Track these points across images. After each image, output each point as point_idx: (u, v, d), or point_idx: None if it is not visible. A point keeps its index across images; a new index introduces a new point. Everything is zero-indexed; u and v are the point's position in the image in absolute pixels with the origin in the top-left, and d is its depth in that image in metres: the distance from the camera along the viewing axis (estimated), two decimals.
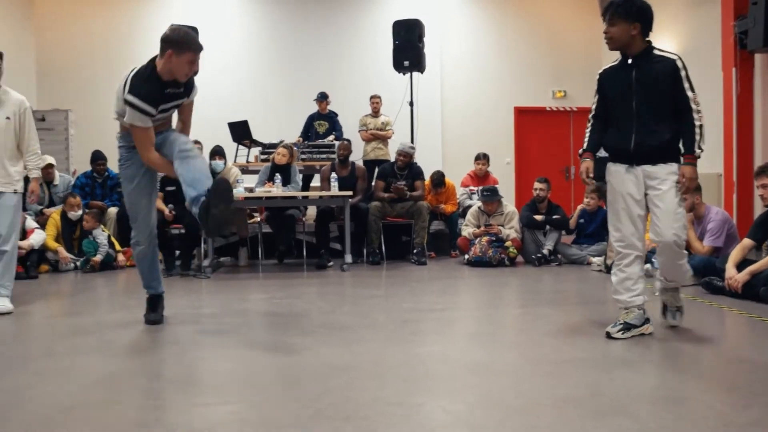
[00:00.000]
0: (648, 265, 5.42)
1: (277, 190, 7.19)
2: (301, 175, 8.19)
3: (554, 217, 7.62)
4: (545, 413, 2.54)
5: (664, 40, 9.23)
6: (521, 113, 11.77)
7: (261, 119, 10.08)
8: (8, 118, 4.81)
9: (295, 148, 8.43)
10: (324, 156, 8.98)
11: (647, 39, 3.72)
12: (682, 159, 3.67)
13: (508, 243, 7.40)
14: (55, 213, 7.54)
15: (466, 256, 7.50)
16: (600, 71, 3.95)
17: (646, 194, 3.75)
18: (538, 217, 7.64)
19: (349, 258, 7.18)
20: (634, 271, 3.81)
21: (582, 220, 7.69)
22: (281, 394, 2.86)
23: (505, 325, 4.44)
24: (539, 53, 11.80)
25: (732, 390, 2.85)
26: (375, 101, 9.57)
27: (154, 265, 4.31)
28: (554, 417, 2.50)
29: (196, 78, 4.16)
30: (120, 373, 3.24)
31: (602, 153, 8.11)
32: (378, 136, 9.45)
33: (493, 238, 7.40)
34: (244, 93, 10.86)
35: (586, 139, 4.04)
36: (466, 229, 7.71)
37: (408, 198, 7.79)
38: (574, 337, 3.85)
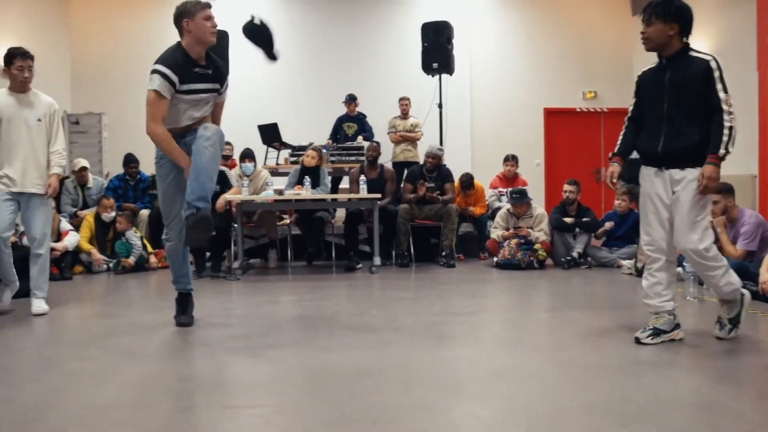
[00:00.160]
0: (679, 269, 5.36)
1: (306, 192, 7.23)
2: (330, 178, 8.23)
3: (584, 219, 7.56)
4: (573, 419, 2.53)
5: (698, 39, 9.11)
6: (551, 114, 11.70)
7: (290, 121, 10.14)
8: (39, 119, 4.89)
9: (324, 151, 8.48)
10: (353, 158, 9.03)
11: (685, 41, 3.66)
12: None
13: (537, 245, 7.36)
14: (89, 215, 7.68)
15: (495, 259, 7.48)
16: (640, 73, 3.90)
17: None
18: (568, 220, 7.59)
19: (377, 260, 7.20)
20: (665, 276, 3.76)
21: (612, 223, 7.61)
22: (309, 397, 2.89)
23: (533, 329, 4.42)
24: (569, 54, 11.71)
25: (764, 398, 2.82)
26: (404, 103, 9.58)
27: (185, 261, 4.37)
28: (582, 423, 2.49)
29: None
30: (151, 374, 3.29)
31: (631, 156, 8.02)
32: (407, 138, 9.46)
33: (522, 241, 7.37)
34: (274, 95, 10.94)
35: (619, 142, 4.01)
36: (495, 232, 7.68)
37: (437, 200, 7.79)
38: (602, 341, 3.83)
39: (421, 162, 8.43)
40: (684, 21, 3.62)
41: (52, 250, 6.73)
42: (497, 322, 4.72)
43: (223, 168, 7.09)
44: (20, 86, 4.85)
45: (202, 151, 3.82)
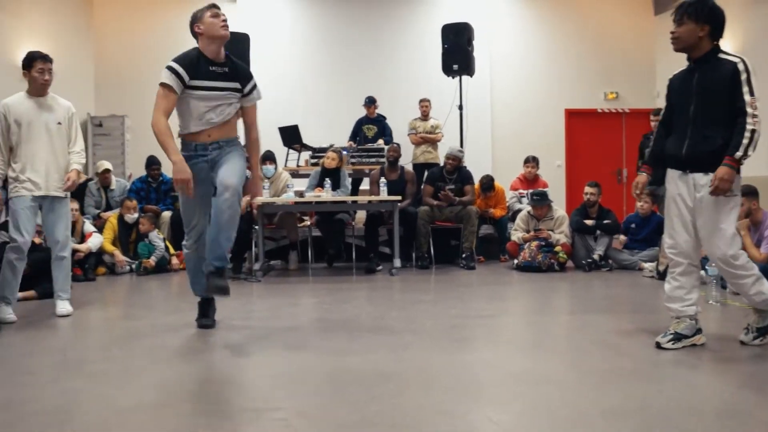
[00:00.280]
0: (702, 272, 5.31)
1: (326, 195, 7.27)
2: (350, 179, 8.26)
3: (605, 221, 7.52)
4: (591, 424, 2.53)
5: (724, 39, 9.02)
6: (572, 115, 11.65)
7: (311, 123, 10.18)
8: (59, 123, 4.92)
9: (345, 153, 8.51)
10: (374, 160, 9.06)
11: (715, 43, 3.61)
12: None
13: (557, 248, 7.33)
14: (112, 217, 7.76)
15: (515, 261, 7.46)
16: (671, 76, 3.87)
17: None
18: (589, 222, 7.55)
19: (398, 262, 7.21)
20: (688, 280, 3.72)
21: (633, 225, 7.57)
22: (329, 400, 2.91)
23: (553, 333, 4.40)
24: (590, 54, 11.65)
25: None
26: (424, 105, 9.58)
27: (199, 270, 4.31)
28: (600, 428, 2.49)
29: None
30: (173, 376, 3.33)
31: None
32: (427, 140, 9.46)
33: (543, 243, 7.35)
34: (295, 97, 10.99)
35: (649, 150, 3.97)
36: (516, 234, 7.66)
37: (457, 203, 7.79)
38: (623, 345, 3.81)
39: (442, 164, 8.44)
40: (716, 23, 3.57)
41: (76, 251, 6.85)
42: (517, 325, 4.72)
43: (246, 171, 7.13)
44: (40, 89, 4.86)
45: (222, 212, 3.83)
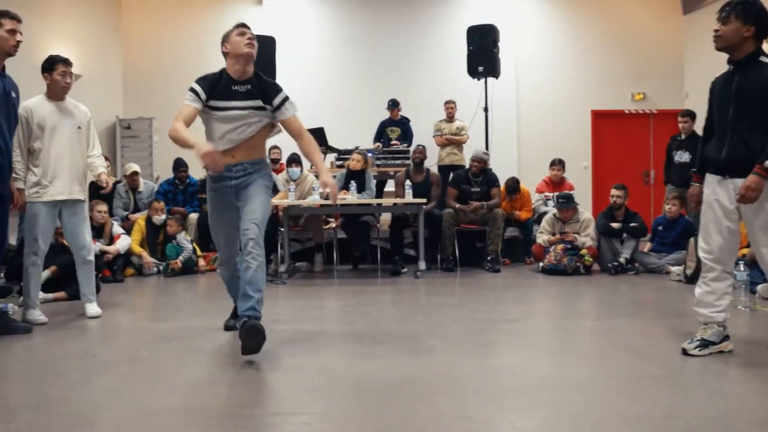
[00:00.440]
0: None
1: (352, 197, 7.30)
2: (374, 181, 8.29)
3: (631, 224, 7.46)
4: None
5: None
6: (598, 116, 11.56)
7: (337, 126, 10.21)
8: (79, 127, 4.96)
9: (370, 155, 8.53)
10: (399, 162, 9.08)
11: (758, 45, 3.54)
12: None
13: (583, 251, 7.29)
14: (140, 219, 7.86)
15: (541, 264, 7.43)
16: (713, 79, 3.81)
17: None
18: (615, 225, 7.50)
19: (422, 265, 7.22)
20: (719, 286, 3.67)
21: (661, 228, 7.50)
22: (353, 405, 2.93)
23: (578, 338, 4.37)
24: (617, 54, 11.55)
25: None
26: (449, 106, 9.58)
27: (233, 285, 4.24)
28: None
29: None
30: (199, 379, 3.37)
31: (681, 159, 7.87)
32: (453, 141, 9.45)
33: (569, 246, 7.31)
34: (321, 100, 11.03)
35: (698, 157, 3.93)
36: (541, 237, 7.63)
37: (484, 209, 7.77)
38: (649, 352, 3.78)
39: (467, 166, 8.43)
40: (763, 24, 3.50)
41: (105, 253, 6.96)
42: (542, 330, 4.70)
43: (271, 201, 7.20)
44: (61, 92, 4.87)
45: (247, 268, 3.73)
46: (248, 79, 3.95)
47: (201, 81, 3.93)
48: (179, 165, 8.66)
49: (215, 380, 3.35)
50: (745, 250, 5.72)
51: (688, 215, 7.63)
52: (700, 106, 8.55)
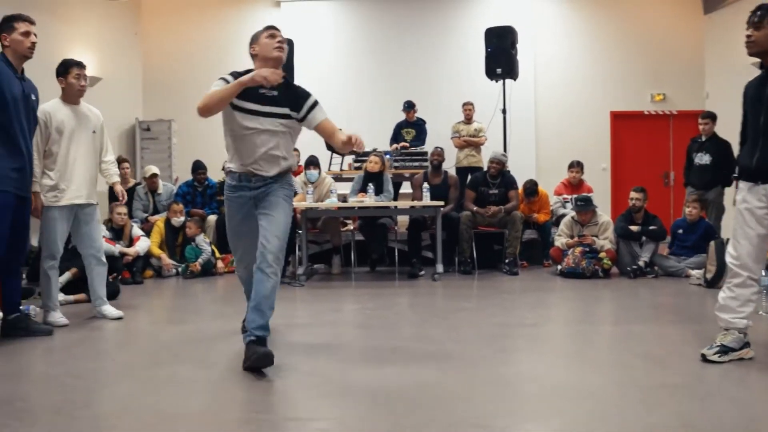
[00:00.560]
0: None
1: (369, 200, 7.31)
2: (392, 183, 8.29)
3: (651, 227, 7.40)
4: None
5: None
6: (617, 118, 11.48)
7: (354, 127, 10.08)
8: (94, 132, 5.00)
9: (387, 157, 8.54)
10: (416, 164, 9.08)
11: None
12: None
13: (602, 254, 7.24)
14: (159, 221, 7.92)
15: (559, 267, 7.40)
16: (746, 83, 3.78)
17: None
18: (634, 228, 7.44)
19: (440, 267, 7.22)
20: (743, 292, 3.63)
21: (681, 231, 7.44)
22: (369, 411, 2.93)
23: (596, 344, 4.35)
24: (636, 55, 11.44)
25: None
26: (467, 108, 9.56)
27: (251, 284, 4.12)
28: None
29: None
30: (217, 383, 3.40)
31: (701, 161, 7.77)
32: (471, 143, 9.43)
33: (587, 249, 7.27)
34: (338, 102, 10.99)
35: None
36: (559, 240, 7.60)
37: (502, 213, 7.76)
38: (667, 358, 3.76)
39: (485, 167, 8.41)
40: None
41: (125, 255, 7.02)
42: (559, 336, 4.68)
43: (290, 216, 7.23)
44: (77, 95, 4.90)
45: (264, 281, 3.62)
46: (277, 85, 3.75)
47: (233, 75, 3.72)
48: (198, 167, 8.72)
49: (232, 384, 3.37)
50: None
51: (709, 218, 7.57)
52: (721, 107, 8.54)
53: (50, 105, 4.84)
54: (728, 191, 7.84)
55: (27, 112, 4.38)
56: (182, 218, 7.84)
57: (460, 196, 8.20)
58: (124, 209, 7.23)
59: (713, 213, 7.69)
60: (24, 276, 6.33)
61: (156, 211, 8.49)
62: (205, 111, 3.61)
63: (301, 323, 5.00)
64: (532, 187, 8.36)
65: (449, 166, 8.91)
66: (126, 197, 5.46)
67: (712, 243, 6.50)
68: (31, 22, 4.37)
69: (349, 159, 9.43)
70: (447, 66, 11.26)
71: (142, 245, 7.32)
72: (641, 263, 7.22)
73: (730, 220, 7.36)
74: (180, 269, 7.62)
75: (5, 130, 4.21)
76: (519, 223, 7.71)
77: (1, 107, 4.17)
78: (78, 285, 5.83)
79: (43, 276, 4.87)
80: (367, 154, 8.56)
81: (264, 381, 3.41)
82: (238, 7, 11.67)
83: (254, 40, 3.84)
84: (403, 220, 8.34)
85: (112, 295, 5.66)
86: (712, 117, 7.83)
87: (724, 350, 3.59)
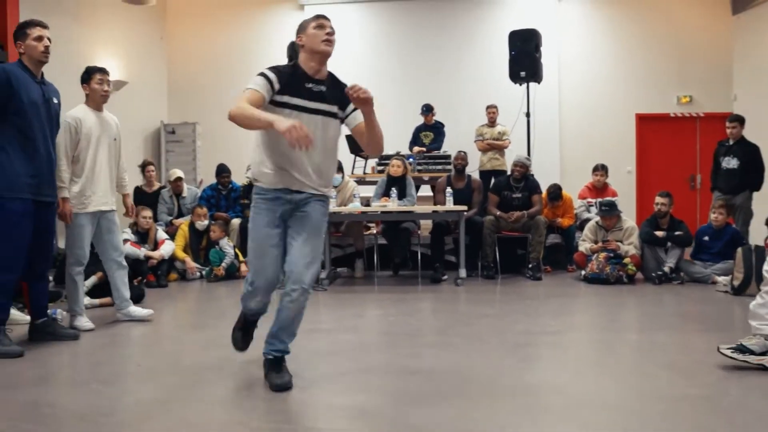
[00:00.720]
0: None
1: (392, 204, 7.31)
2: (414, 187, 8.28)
3: (676, 233, 7.32)
4: None
5: None
6: (643, 120, 11.36)
7: None
8: (115, 139, 5.08)
9: (410, 160, 8.54)
10: (439, 167, 9.07)
11: None
12: None
13: (626, 260, 7.18)
14: (183, 224, 7.99)
15: (583, 272, 7.35)
16: None
17: None
18: (659, 233, 7.36)
19: (463, 272, 7.19)
20: None
21: (706, 237, 7.34)
22: (391, 420, 2.93)
23: (620, 353, 4.30)
24: (662, 56, 11.29)
25: None
26: (491, 111, 9.52)
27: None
28: None
29: None
30: (240, 391, 3.42)
31: (729, 165, 7.67)
32: (494, 146, 9.40)
33: (611, 255, 7.21)
34: None
35: None
36: (584, 245, 7.55)
37: (525, 217, 7.73)
38: (691, 369, 3.71)
39: (509, 171, 8.38)
40: None
41: (150, 258, 7.10)
42: (583, 344, 4.64)
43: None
44: (100, 100, 4.96)
45: (285, 309, 3.43)
46: (322, 79, 3.46)
47: (274, 70, 3.36)
48: (222, 171, 8.78)
49: (254, 392, 3.38)
50: None
51: (736, 223, 7.48)
52: (749, 110, 8.42)
53: (79, 111, 4.90)
54: (756, 196, 7.75)
55: (48, 115, 4.41)
56: (206, 222, 7.91)
57: (484, 200, 8.18)
58: (149, 213, 7.31)
59: (741, 218, 7.60)
60: (51, 279, 6.43)
61: (180, 215, 8.56)
62: (234, 121, 3.19)
63: (325, 328, 5.02)
64: (555, 192, 8.31)
65: (473, 170, 8.89)
66: (135, 211, 5.53)
67: (739, 249, 6.42)
68: (44, 27, 4.39)
69: (372, 162, 9.44)
70: (471, 69, 11.22)
71: (167, 249, 7.39)
72: (666, 269, 7.15)
73: (758, 225, 7.32)
74: (204, 272, 7.68)
75: (24, 135, 4.25)
76: (542, 228, 7.67)
77: (19, 112, 4.21)
78: (103, 288, 5.89)
79: (70, 282, 4.94)
80: (389, 157, 8.57)
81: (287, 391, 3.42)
82: (262, 11, 11.73)
83: (301, 29, 3.45)
84: (426, 224, 8.33)
85: (137, 298, 5.75)
86: (740, 120, 7.73)
87: (741, 349, 3.58)
